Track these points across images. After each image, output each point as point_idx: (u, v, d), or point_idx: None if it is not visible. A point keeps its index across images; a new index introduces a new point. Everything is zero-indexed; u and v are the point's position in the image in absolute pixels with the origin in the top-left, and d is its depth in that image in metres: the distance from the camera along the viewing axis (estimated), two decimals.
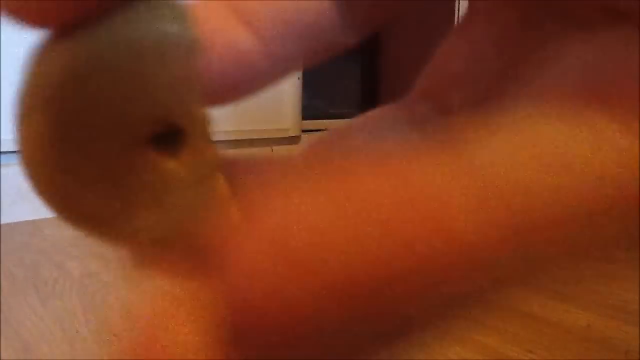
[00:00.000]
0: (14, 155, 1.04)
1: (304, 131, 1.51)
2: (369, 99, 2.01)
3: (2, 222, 1.02)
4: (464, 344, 0.54)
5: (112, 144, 0.08)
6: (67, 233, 0.97)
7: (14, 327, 0.58)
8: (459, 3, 1.55)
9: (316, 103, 1.75)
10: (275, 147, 1.45)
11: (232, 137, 1.36)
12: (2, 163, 1.03)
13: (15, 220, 1.03)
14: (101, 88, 0.08)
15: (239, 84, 0.10)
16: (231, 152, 0.10)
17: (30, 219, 1.05)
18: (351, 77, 2.03)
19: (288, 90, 1.46)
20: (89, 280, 0.73)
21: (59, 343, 0.55)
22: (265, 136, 1.44)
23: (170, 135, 0.09)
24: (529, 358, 0.52)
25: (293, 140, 1.49)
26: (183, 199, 0.09)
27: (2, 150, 1.03)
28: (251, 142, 1.42)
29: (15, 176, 1.04)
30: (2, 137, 1.02)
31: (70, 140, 0.08)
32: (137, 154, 0.08)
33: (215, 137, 0.09)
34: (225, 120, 1.30)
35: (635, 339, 0.56)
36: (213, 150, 0.09)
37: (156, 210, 0.09)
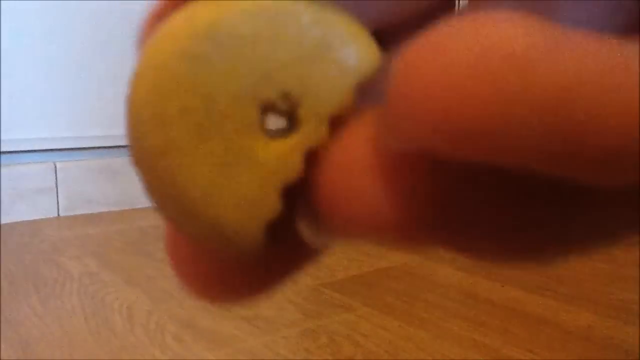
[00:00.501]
0: (14, 155, 1.04)
1: None
2: None
3: (2, 222, 1.02)
4: (464, 344, 0.54)
5: (232, 109, 0.08)
6: (67, 233, 0.97)
7: (14, 327, 0.58)
8: (458, 3, 1.55)
9: None
10: None
11: None
12: (2, 163, 1.03)
13: (15, 220, 1.03)
14: (246, 47, 0.08)
15: None
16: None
17: (30, 219, 1.05)
18: None
19: None
20: (89, 280, 0.73)
21: (59, 343, 0.55)
22: None
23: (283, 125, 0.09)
24: (529, 358, 0.52)
25: None
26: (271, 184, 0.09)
27: (2, 150, 1.03)
28: None
29: (15, 176, 1.04)
30: (2, 137, 1.02)
31: (195, 97, 0.08)
32: (251, 128, 0.09)
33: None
34: None
35: (635, 339, 0.56)
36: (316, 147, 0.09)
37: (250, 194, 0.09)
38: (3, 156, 1.03)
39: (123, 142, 1.13)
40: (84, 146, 1.11)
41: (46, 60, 1.05)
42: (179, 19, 0.08)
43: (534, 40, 0.06)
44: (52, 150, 1.08)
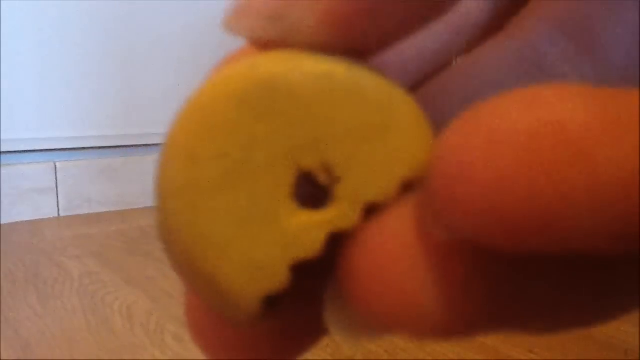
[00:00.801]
0: (14, 155, 1.04)
1: None
2: None
3: (2, 222, 1.02)
4: (464, 344, 0.54)
5: (268, 166, 0.08)
6: (67, 233, 0.97)
7: (14, 327, 0.58)
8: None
9: None
10: None
11: None
12: (2, 163, 1.03)
13: (15, 220, 1.03)
14: (289, 110, 0.08)
15: None
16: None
17: (30, 219, 1.05)
18: None
19: None
20: (89, 280, 0.73)
21: (59, 343, 0.55)
22: None
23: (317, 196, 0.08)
24: (529, 358, 0.52)
25: None
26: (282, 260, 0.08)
27: (2, 150, 1.03)
28: None
29: (15, 176, 1.04)
30: (2, 137, 1.02)
31: (234, 144, 0.08)
32: (281, 191, 0.08)
33: None
34: None
35: (635, 339, 0.56)
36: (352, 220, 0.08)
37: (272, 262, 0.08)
38: (3, 156, 1.03)
39: (123, 142, 1.13)
40: (84, 146, 1.11)
41: (46, 60, 1.05)
42: (241, 66, 0.08)
43: (590, 120, 0.06)
44: (52, 150, 1.08)
